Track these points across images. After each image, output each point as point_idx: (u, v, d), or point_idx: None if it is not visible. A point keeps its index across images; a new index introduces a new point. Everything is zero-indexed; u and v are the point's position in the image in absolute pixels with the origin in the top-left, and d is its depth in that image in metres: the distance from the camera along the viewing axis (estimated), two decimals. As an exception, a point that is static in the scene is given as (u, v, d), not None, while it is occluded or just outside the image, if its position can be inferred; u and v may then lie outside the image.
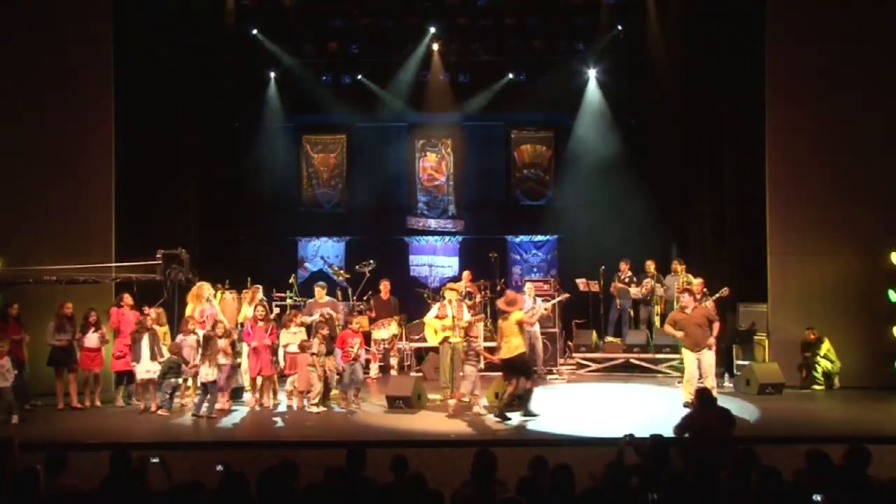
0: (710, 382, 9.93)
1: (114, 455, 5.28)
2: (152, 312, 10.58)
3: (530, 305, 12.22)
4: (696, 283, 11.93)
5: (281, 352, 10.55)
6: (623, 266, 13.75)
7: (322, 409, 10.14)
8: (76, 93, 11.65)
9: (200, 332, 10.47)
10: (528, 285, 12.78)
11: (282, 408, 10.42)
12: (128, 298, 10.72)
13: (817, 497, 4.64)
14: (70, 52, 11.69)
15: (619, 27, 15.25)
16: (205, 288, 11.00)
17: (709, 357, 10.07)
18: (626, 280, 13.67)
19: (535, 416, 9.52)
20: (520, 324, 9.70)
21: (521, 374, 9.58)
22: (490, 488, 4.84)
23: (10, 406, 9.49)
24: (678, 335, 10.21)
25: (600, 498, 4.51)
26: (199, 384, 10.13)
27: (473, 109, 16.18)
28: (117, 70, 11.83)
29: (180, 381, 10.32)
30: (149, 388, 10.29)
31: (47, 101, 11.61)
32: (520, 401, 9.57)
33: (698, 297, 11.13)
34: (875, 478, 4.96)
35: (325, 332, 10.40)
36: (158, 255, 7.72)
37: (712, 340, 10.11)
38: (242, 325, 11.03)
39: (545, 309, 12.35)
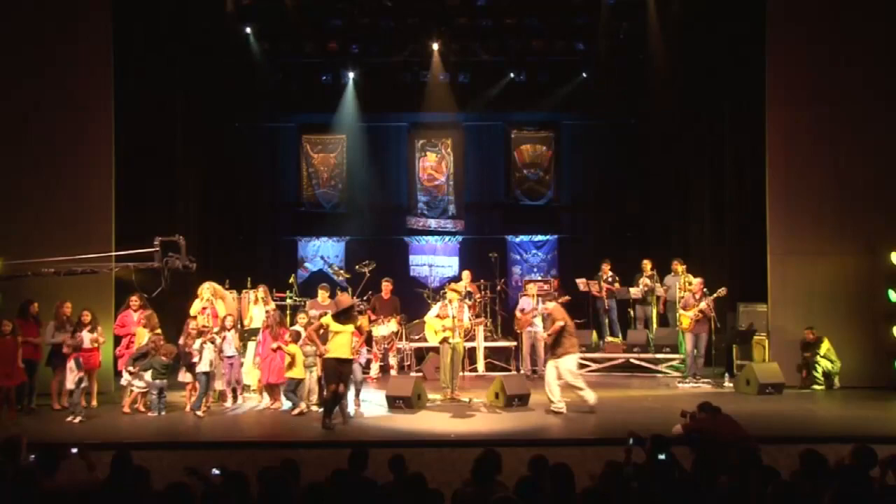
0: None
1: (115, 455, 5.28)
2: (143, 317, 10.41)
3: (532, 306, 12.24)
4: (696, 282, 11.96)
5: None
6: (605, 267, 13.78)
7: (311, 410, 9.98)
8: (76, 92, 11.59)
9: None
10: (531, 286, 12.76)
11: (283, 408, 10.40)
12: (134, 303, 10.68)
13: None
14: (70, 45, 11.62)
15: (620, 27, 15.24)
16: (219, 289, 10.99)
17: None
18: (609, 280, 13.69)
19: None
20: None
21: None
22: (490, 488, 4.84)
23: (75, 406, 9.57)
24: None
25: (600, 498, 4.51)
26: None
27: (473, 109, 16.19)
28: (117, 68, 11.78)
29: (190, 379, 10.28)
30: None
31: (48, 99, 11.53)
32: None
33: (697, 296, 11.66)
34: (876, 478, 4.96)
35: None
36: (156, 243, 7.65)
37: None
38: (242, 322, 11.05)
39: (548, 309, 12.31)
